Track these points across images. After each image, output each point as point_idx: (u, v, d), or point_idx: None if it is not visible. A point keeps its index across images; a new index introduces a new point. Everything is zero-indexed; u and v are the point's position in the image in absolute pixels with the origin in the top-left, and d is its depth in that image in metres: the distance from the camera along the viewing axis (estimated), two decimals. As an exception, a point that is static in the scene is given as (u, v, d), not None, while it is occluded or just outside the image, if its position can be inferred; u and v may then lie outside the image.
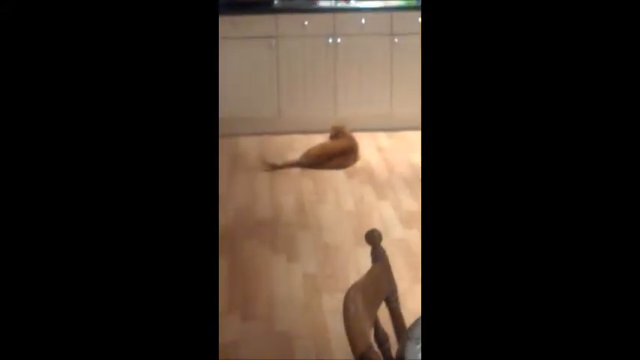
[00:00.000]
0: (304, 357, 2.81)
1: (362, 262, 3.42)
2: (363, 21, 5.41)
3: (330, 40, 5.45)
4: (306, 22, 5.39)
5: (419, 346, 1.61)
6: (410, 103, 5.53)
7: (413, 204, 4.24)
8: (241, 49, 5.39)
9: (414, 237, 3.79)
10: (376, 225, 3.88)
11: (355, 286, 1.52)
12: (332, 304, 3.16)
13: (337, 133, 5.08)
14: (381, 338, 1.66)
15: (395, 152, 5.18)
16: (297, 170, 4.85)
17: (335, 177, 4.73)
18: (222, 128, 5.42)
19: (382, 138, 5.50)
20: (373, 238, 1.72)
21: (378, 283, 1.69)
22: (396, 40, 5.44)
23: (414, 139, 5.43)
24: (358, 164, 4.95)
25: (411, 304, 3.02)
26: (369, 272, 1.67)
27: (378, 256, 1.73)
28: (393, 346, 1.68)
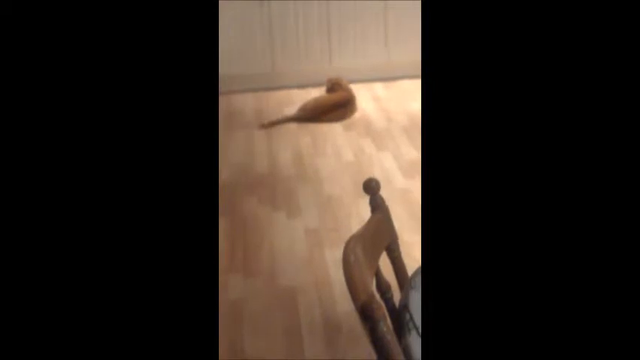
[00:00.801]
0: (308, 310, 2.81)
1: (364, 213, 3.39)
2: (355, -31, 5.33)
3: (323, -9, 5.37)
4: (296, -26, 5.30)
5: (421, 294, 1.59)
6: (405, 51, 5.46)
7: (413, 153, 4.21)
8: (235, 4, 5.30)
9: (415, 186, 3.77)
10: (377, 175, 3.85)
11: (355, 236, 1.49)
12: (335, 257, 3.15)
13: (333, 86, 5.02)
14: (383, 287, 1.64)
15: (392, 102, 5.13)
16: (294, 125, 4.81)
17: (333, 130, 4.68)
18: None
19: (379, 88, 5.45)
20: (371, 187, 1.68)
21: (378, 232, 1.66)
22: (389, -13, 5.36)
23: (410, 88, 5.37)
24: (356, 115, 4.91)
25: (415, 253, 3.01)
26: (369, 222, 1.64)
27: (377, 204, 1.69)
28: (396, 295, 1.66)
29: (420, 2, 5.33)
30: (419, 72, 5.48)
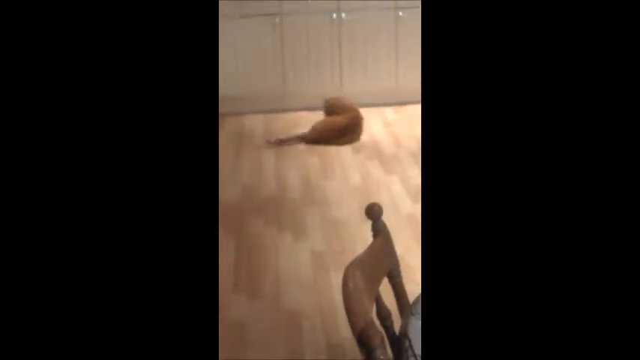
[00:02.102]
0: (312, 335, 2.79)
1: (370, 237, 3.38)
2: (367, -5, 5.35)
3: (335, 16, 5.38)
4: (309, -2, 5.34)
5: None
6: (416, 76, 5.44)
7: (420, 178, 4.20)
8: (246, 27, 5.34)
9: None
10: (384, 200, 3.85)
11: (355, 262, 1.49)
12: (340, 281, 3.13)
13: (332, 107, 5.00)
14: (383, 314, 1.63)
15: (402, 126, 5.13)
16: (302, 147, 4.81)
17: (341, 152, 4.68)
18: (227, 106, 5.40)
19: (389, 112, 5.45)
20: (373, 212, 1.68)
21: (379, 258, 1.65)
22: (400, 13, 5.37)
23: (420, 113, 5.36)
24: (365, 139, 4.90)
25: (419, 278, 2.99)
26: (370, 247, 1.63)
27: (379, 230, 1.69)
28: (397, 322, 1.65)
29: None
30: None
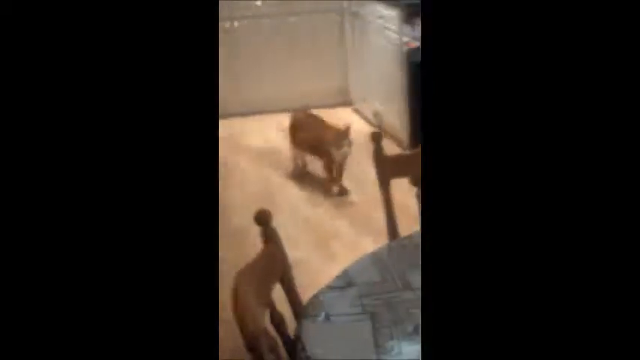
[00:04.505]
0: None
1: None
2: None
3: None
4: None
5: (315, 323, 1.59)
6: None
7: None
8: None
9: (319, 213, 3.78)
10: (283, 205, 3.86)
11: (244, 269, 1.49)
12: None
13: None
14: (276, 320, 1.64)
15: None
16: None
17: (239, 161, 4.67)
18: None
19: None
20: (262, 218, 1.68)
21: (270, 264, 1.66)
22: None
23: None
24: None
25: (322, 279, 3.00)
26: (260, 254, 1.64)
27: (269, 236, 1.69)
28: (292, 326, 1.66)
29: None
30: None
